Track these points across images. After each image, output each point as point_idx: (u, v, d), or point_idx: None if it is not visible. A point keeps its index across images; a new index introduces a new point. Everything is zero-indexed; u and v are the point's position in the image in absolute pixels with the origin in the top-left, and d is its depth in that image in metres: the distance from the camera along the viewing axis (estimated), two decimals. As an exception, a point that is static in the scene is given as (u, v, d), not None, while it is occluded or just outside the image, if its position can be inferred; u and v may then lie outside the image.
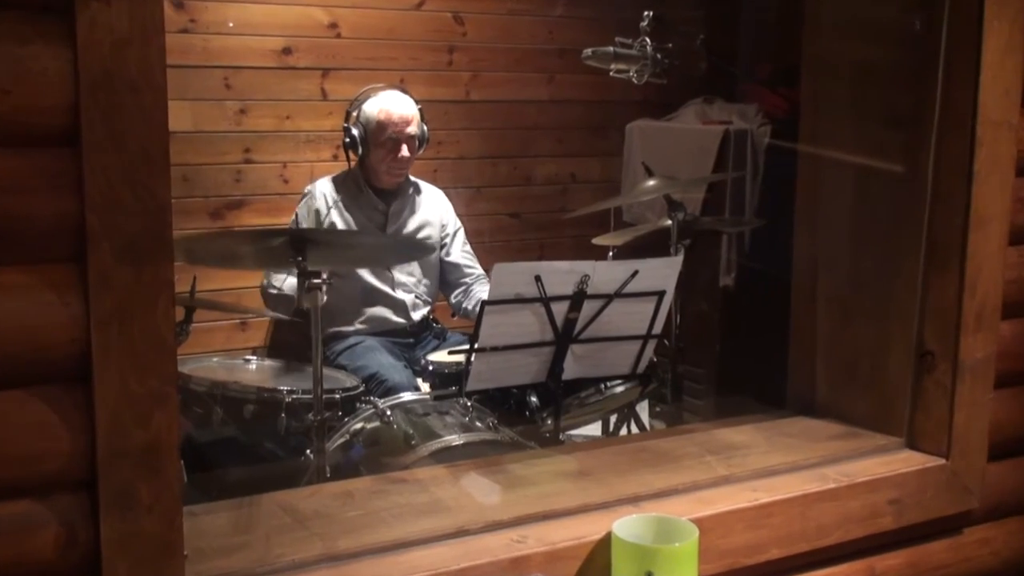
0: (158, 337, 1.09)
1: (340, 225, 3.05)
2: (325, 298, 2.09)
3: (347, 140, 3.05)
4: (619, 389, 2.59)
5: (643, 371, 2.35)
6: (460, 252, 3.25)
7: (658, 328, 2.26)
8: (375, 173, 3.11)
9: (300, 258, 2.08)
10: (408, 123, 3.06)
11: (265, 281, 3.05)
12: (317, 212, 3.06)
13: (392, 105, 3.05)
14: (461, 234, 3.28)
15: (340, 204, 3.08)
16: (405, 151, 3.06)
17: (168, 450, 1.11)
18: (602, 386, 2.55)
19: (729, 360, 3.65)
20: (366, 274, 3.09)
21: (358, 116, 3.06)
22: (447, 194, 3.33)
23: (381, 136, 3.02)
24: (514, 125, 3.94)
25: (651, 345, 2.29)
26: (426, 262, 3.18)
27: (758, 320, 3.54)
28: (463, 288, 3.21)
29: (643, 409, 3.20)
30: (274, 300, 3.01)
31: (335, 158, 3.57)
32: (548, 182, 4.05)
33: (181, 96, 3.28)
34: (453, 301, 3.24)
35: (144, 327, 1.09)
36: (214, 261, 2.62)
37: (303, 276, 2.08)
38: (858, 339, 1.88)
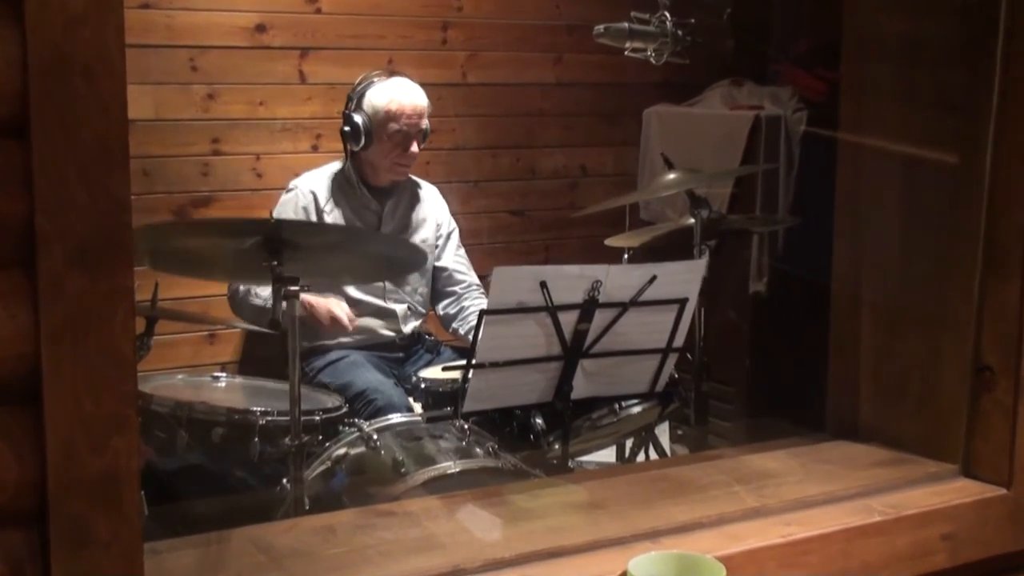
0: (117, 352, 1.10)
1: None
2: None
3: (347, 129, 3.05)
4: (636, 410, 2.60)
5: (663, 389, 2.36)
6: (452, 256, 3.26)
7: (679, 341, 2.26)
8: (374, 169, 3.11)
9: (275, 263, 2.08)
10: (421, 116, 3.07)
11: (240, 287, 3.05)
12: (305, 211, 3.06)
13: (404, 95, 3.06)
14: (455, 236, 3.29)
15: (330, 203, 3.08)
16: (415, 147, 3.07)
17: (128, 480, 1.11)
18: (616, 406, 2.55)
19: (760, 377, 3.66)
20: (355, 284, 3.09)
21: (361, 103, 3.06)
22: (440, 190, 3.34)
23: (389, 129, 3.03)
24: (516, 111, 3.95)
25: (672, 360, 2.30)
26: (422, 269, 3.18)
27: (793, 331, 3.54)
28: (453, 299, 3.22)
29: (663, 432, 3.20)
30: (243, 306, 3.02)
31: (315, 149, 3.58)
32: (555, 175, 4.05)
33: (141, 80, 3.29)
34: (442, 313, 3.25)
35: (101, 341, 1.09)
36: (179, 268, 2.62)
37: (278, 283, 2.09)
38: (907, 353, 1.88)
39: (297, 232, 2.22)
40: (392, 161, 3.08)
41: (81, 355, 1.09)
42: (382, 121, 3.03)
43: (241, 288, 3.03)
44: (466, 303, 3.20)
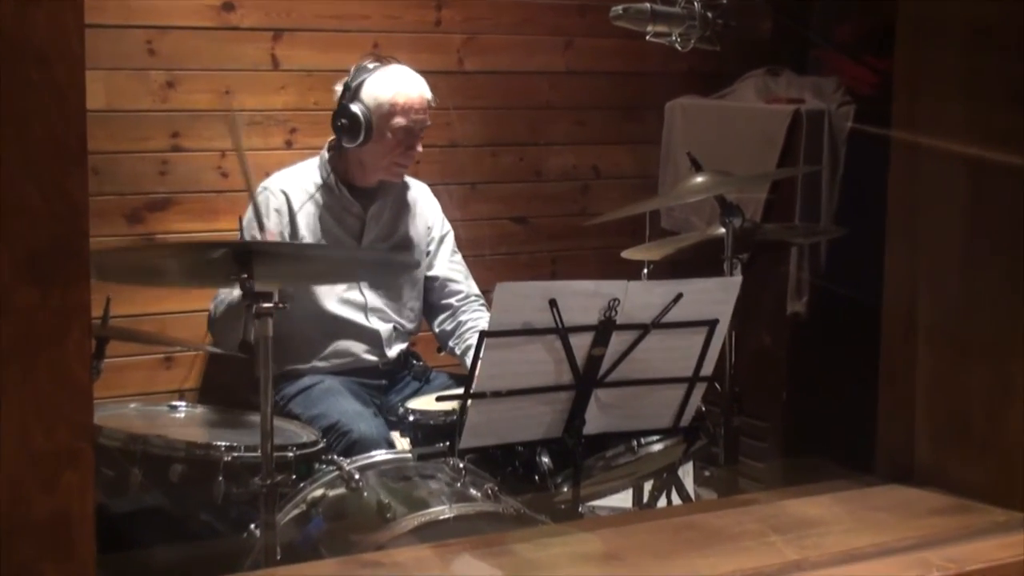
0: (71, 377, 1.11)
1: (304, 235, 3.06)
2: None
3: (344, 122, 3.04)
4: (657, 448, 2.61)
5: (688, 424, 2.37)
6: (447, 264, 3.27)
7: (708, 369, 2.28)
8: (363, 168, 3.12)
9: (245, 275, 2.10)
10: (426, 111, 3.10)
11: (213, 309, 3.04)
12: (278, 213, 3.07)
13: (411, 87, 3.09)
14: (450, 240, 3.31)
15: (306, 207, 3.08)
16: (419, 146, 3.10)
17: (81, 522, 1.12)
18: (635, 444, 2.56)
19: (800, 410, 3.66)
20: (330, 297, 3.10)
21: (359, 94, 3.07)
22: (433, 193, 3.35)
23: (393, 124, 3.05)
24: (520, 103, 3.97)
25: (699, 391, 2.31)
26: (411, 278, 3.19)
27: (838, 358, 3.54)
28: (449, 313, 3.24)
29: (688, 474, 3.20)
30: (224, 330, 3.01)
31: (288, 145, 3.60)
32: (564, 177, 4.07)
33: (92, 65, 3.25)
34: (437, 330, 3.26)
35: (52, 364, 1.10)
36: (132, 277, 2.64)
37: (249, 299, 2.10)
38: (970, 383, 1.89)
39: (271, 245, 2.23)
40: (392, 161, 3.10)
41: (30, 380, 1.10)
42: (385, 115, 3.05)
43: (218, 304, 3.00)
44: (464, 317, 3.21)
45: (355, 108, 3.03)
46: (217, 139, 3.52)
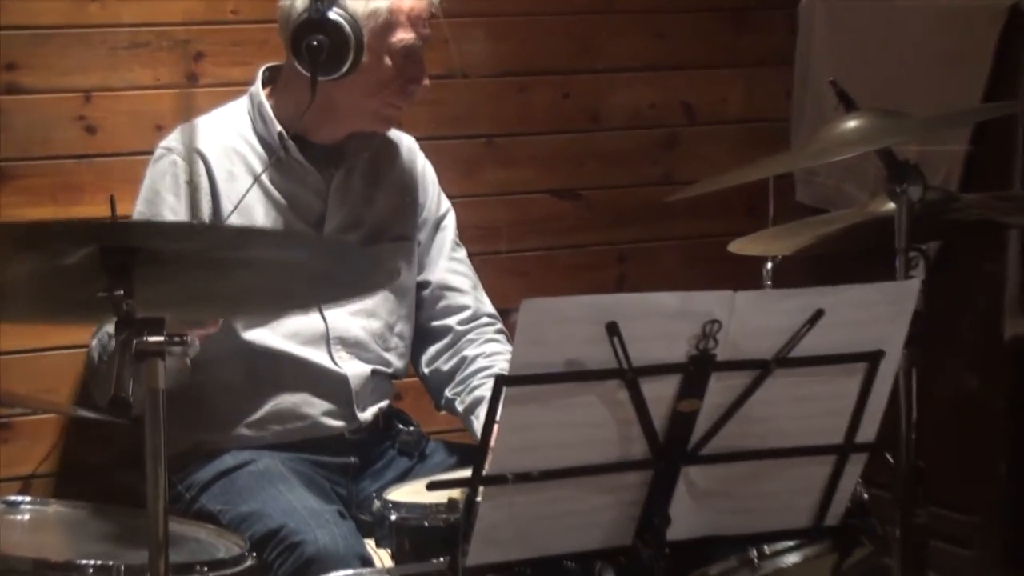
0: None
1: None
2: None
3: (317, 42, 3.04)
4: (791, 559, 2.61)
5: (840, 522, 2.37)
6: (446, 262, 3.31)
7: (870, 432, 2.28)
8: (334, 114, 3.15)
9: (120, 291, 2.11)
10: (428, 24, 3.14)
11: (95, 348, 3.08)
12: (187, 190, 3.07)
13: None
14: (450, 226, 3.35)
15: (237, 178, 3.08)
16: (425, 77, 3.14)
17: None
18: (754, 554, 2.57)
19: (1028, 496, 3.67)
20: (269, 322, 3.12)
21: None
22: (422, 149, 3.38)
23: (393, 43, 3.09)
24: (563, 6, 3.98)
25: (855, 466, 2.31)
26: (399, 288, 3.21)
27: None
28: (446, 343, 3.28)
29: (845, 601, 3.21)
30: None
31: (192, 79, 3.62)
32: (634, 124, 4.08)
33: None
34: (427, 370, 3.30)
35: None
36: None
37: (127, 328, 2.10)
38: None
39: (165, 236, 2.24)
40: (385, 101, 3.14)
41: None
42: (381, 31, 3.08)
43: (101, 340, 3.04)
44: (470, 351, 3.25)
45: (337, 17, 3.04)
46: (77, 72, 3.55)
